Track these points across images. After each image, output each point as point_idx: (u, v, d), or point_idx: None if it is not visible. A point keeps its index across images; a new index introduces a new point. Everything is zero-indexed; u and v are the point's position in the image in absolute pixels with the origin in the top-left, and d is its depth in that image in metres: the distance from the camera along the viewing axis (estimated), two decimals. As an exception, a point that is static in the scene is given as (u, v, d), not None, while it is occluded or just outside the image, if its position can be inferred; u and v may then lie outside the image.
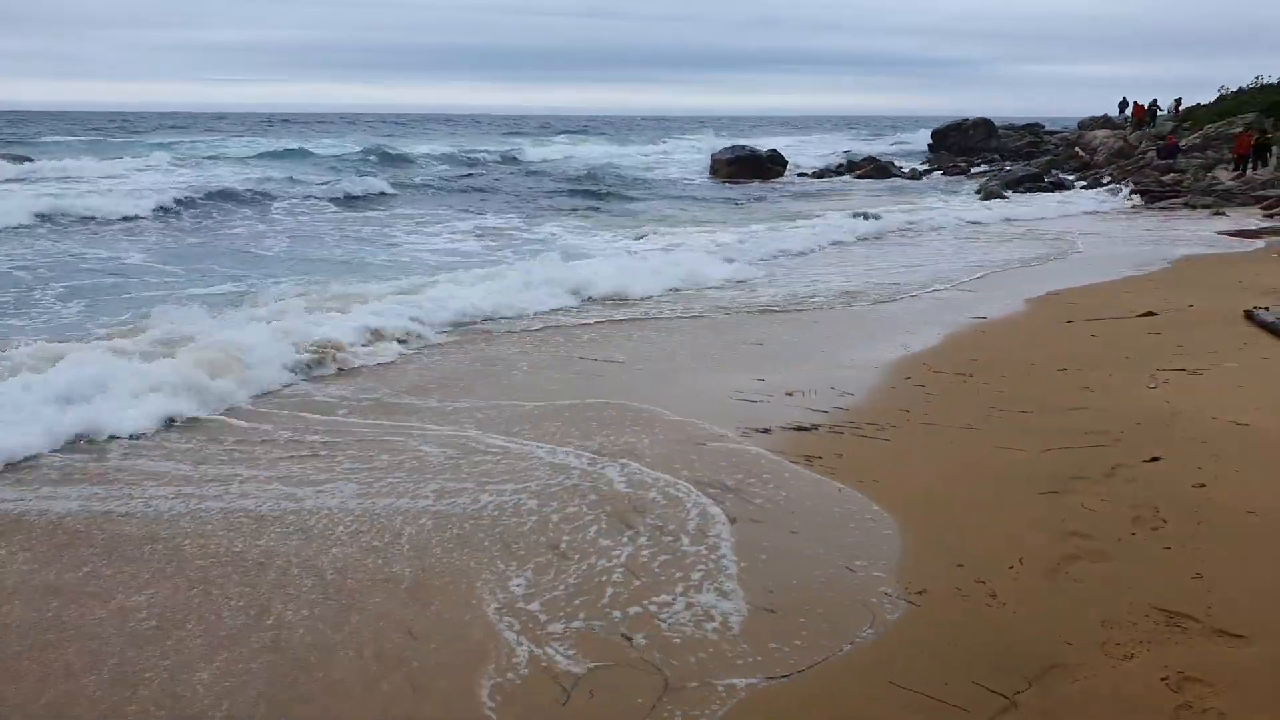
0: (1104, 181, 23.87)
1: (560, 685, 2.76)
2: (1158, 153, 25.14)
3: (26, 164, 23.18)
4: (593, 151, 39.82)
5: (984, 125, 37.38)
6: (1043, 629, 3.01)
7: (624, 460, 4.52)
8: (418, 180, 22.99)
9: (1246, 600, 3.15)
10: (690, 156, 35.59)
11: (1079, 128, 37.19)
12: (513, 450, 4.68)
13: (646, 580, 3.37)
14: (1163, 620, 3.04)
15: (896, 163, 33.50)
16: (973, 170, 30.76)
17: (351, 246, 12.78)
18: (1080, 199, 21.42)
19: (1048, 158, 30.79)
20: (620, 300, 8.72)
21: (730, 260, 10.90)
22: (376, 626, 3.08)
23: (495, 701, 2.69)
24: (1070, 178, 25.96)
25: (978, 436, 4.86)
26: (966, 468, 4.44)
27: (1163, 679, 2.73)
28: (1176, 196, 20.02)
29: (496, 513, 3.93)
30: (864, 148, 42.53)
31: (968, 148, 35.62)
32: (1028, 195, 22.24)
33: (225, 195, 17.56)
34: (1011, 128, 39.62)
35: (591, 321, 8.00)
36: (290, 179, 20.88)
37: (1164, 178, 22.30)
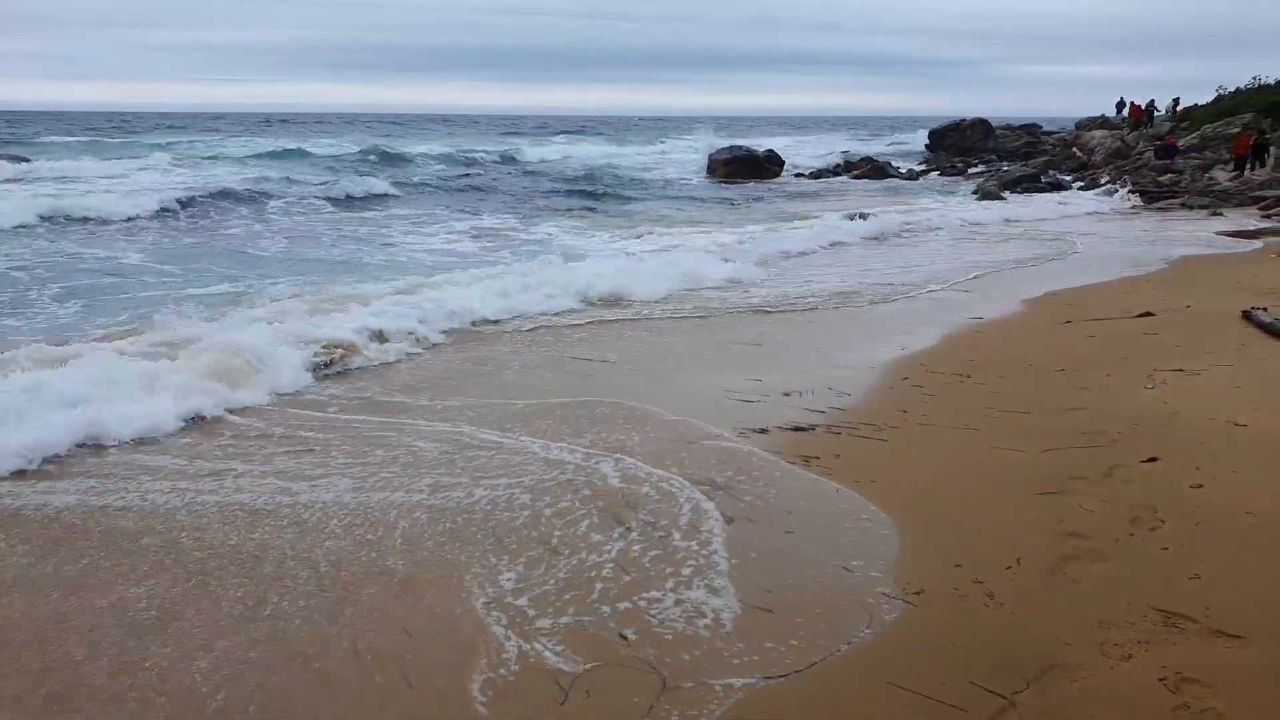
0: (1101, 182, 23.90)
1: (558, 684, 2.75)
2: (1155, 153, 25.17)
3: (24, 164, 23.15)
4: (590, 151, 39.82)
5: (981, 126, 37.42)
6: (1041, 629, 3.01)
7: (618, 455, 4.51)
8: (416, 180, 22.98)
9: (1245, 600, 3.15)
10: (688, 156, 35.59)
11: (1076, 128, 37.24)
12: (506, 445, 4.67)
13: (641, 579, 3.36)
14: (1161, 621, 3.04)
15: (894, 163, 33.53)
16: (970, 171, 30.80)
17: (349, 246, 12.76)
18: (1078, 199, 21.45)
19: (1045, 158, 30.82)
20: (618, 301, 8.71)
21: (727, 261, 10.90)
22: (371, 622, 3.07)
23: (490, 698, 2.68)
24: (1067, 178, 26.00)
25: (975, 437, 4.85)
26: (964, 468, 4.44)
27: (1161, 679, 2.73)
28: (1174, 197, 20.04)
29: (489, 508, 3.93)
30: (862, 148, 42.56)
31: (965, 148, 35.66)
32: (1025, 196, 22.28)
33: (223, 196, 17.53)
34: (1009, 128, 39.67)
35: (588, 322, 8.00)
36: (288, 179, 20.85)
37: (1161, 178, 22.33)
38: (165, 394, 5.16)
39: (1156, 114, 32.34)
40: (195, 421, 5.05)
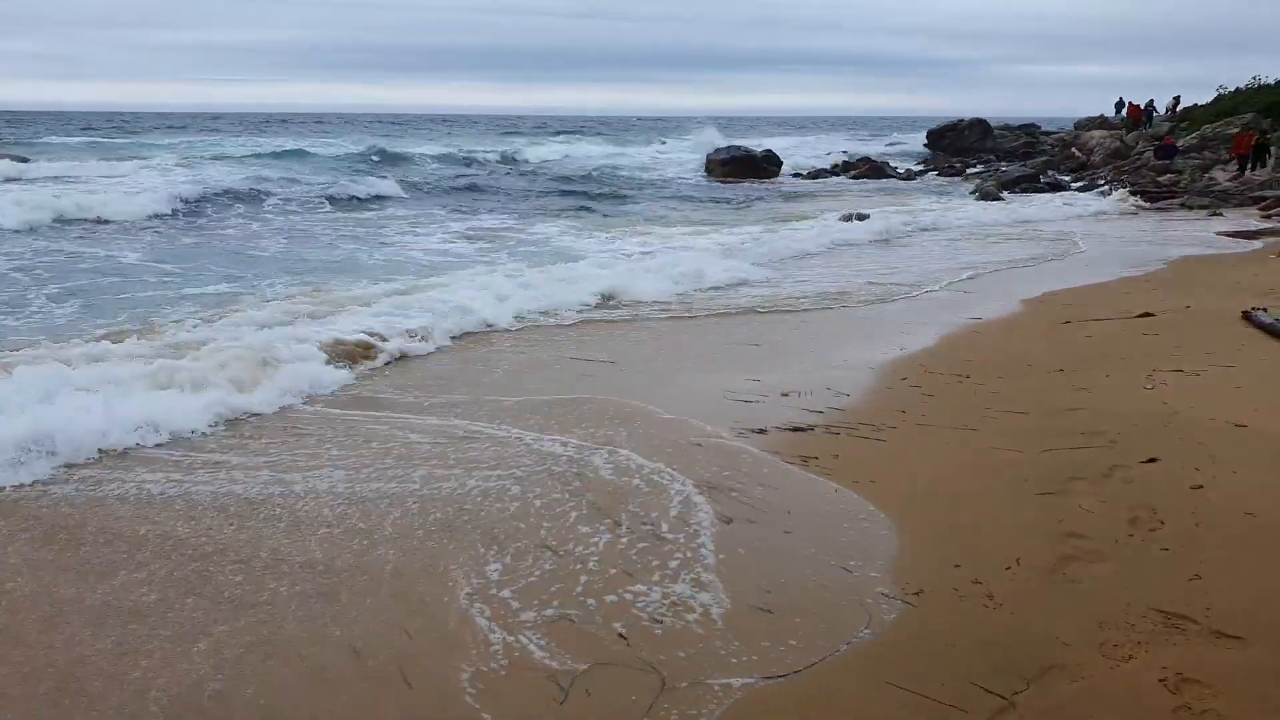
0: (1099, 183, 23.89)
1: (557, 684, 2.75)
2: (1155, 153, 25.15)
3: (24, 164, 23.13)
4: (590, 151, 39.79)
5: (979, 126, 37.42)
6: (1041, 630, 3.00)
7: (611, 448, 4.50)
8: (416, 180, 22.97)
9: (1245, 601, 3.14)
10: (687, 156, 35.57)
11: (1075, 128, 37.24)
12: (499, 436, 4.67)
13: (641, 579, 3.36)
14: (1161, 621, 3.03)
15: (892, 163, 33.52)
16: (968, 171, 30.80)
17: (350, 247, 12.73)
18: (1077, 199, 21.45)
19: (1044, 158, 30.81)
20: (617, 301, 8.70)
21: (725, 261, 10.89)
22: (367, 621, 3.07)
23: (494, 698, 2.67)
24: (1066, 178, 26.00)
25: (974, 437, 4.85)
26: (963, 468, 4.43)
27: (1161, 680, 2.72)
28: (1173, 197, 20.04)
29: (480, 500, 3.92)
30: (860, 148, 42.54)
31: (963, 148, 35.66)
32: (1023, 196, 22.28)
33: (224, 196, 17.52)
34: (1007, 128, 39.65)
35: (586, 322, 7.99)
36: (289, 179, 20.82)
37: (1161, 178, 22.32)
38: (209, 392, 5.27)
39: (1155, 114, 32.32)
40: (229, 421, 5.08)
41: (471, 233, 14.62)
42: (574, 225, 16.01)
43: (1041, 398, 5.52)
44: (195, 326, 7.23)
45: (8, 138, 38.54)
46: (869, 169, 31.32)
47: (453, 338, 7.17)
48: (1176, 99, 33.69)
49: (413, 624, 3.08)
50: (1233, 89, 31.72)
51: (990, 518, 3.86)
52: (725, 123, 55.39)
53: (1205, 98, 32.77)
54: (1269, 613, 3.07)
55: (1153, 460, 4.41)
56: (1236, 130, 24.28)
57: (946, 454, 4.62)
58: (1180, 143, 26.03)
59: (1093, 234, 15.16)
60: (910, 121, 73.05)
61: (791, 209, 19.62)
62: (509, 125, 73.56)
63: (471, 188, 22.76)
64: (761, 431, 4.94)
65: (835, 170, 32.13)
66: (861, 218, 15.59)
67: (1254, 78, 31.28)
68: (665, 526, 3.79)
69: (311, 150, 31.96)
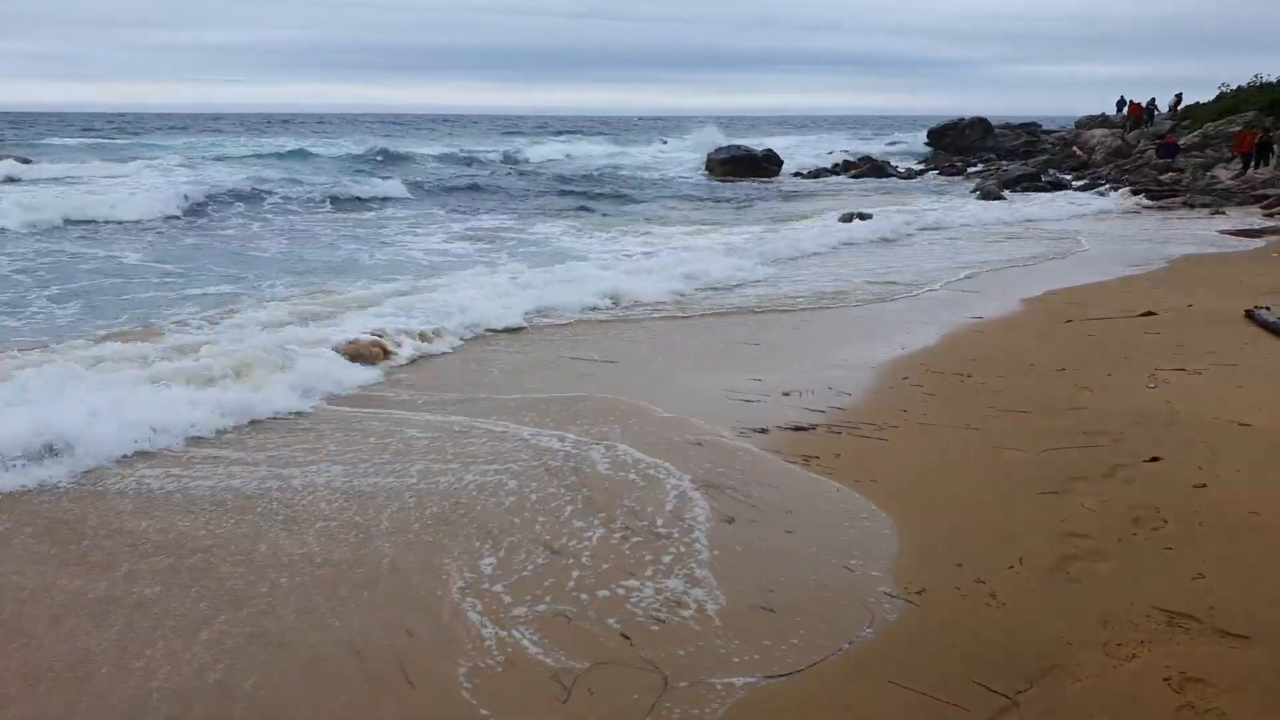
0: (1100, 182, 23.83)
1: (560, 683, 2.74)
2: (1156, 151, 25.09)
3: (27, 165, 23.16)
4: (591, 151, 39.78)
5: (980, 125, 37.36)
6: (1043, 629, 3.00)
7: (609, 442, 4.50)
8: (419, 180, 22.95)
9: (1249, 600, 3.14)
10: (688, 156, 35.55)
11: (1076, 127, 37.19)
12: (503, 433, 4.67)
13: (642, 578, 3.35)
14: (1164, 620, 3.02)
15: (893, 162, 33.49)
16: (969, 170, 30.75)
17: (352, 247, 12.71)
18: (1078, 198, 21.41)
19: (1045, 157, 30.77)
20: (619, 301, 8.67)
21: (726, 260, 10.87)
22: (366, 624, 3.07)
23: (495, 696, 2.67)
24: (1067, 177, 25.96)
25: (976, 436, 4.84)
26: (965, 468, 4.43)
27: (1165, 679, 2.71)
28: (1175, 196, 20.01)
29: (477, 494, 3.91)
30: (861, 147, 42.48)
31: (964, 147, 35.61)
32: (1025, 195, 22.23)
33: (227, 196, 17.49)
34: (1008, 127, 39.60)
35: (589, 322, 7.98)
36: (291, 180, 20.82)
37: (1162, 177, 22.28)
38: (228, 392, 5.31)
39: (1157, 113, 32.24)
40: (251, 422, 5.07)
41: (475, 233, 14.62)
42: (576, 225, 16.01)
43: (1043, 397, 5.51)
44: (201, 328, 7.25)
45: (9, 139, 38.58)
46: (870, 168, 31.29)
47: (462, 339, 7.16)
48: (1178, 97, 33.62)
49: (431, 626, 3.08)
50: (1235, 87, 31.65)
51: (992, 517, 3.85)
52: (727, 122, 55.31)
53: (1207, 96, 32.75)
54: (1273, 612, 3.06)
55: (1155, 459, 4.40)
56: (1239, 129, 24.22)
57: (948, 453, 4.61)
58: (1182, 141, 25.97)
59: (1094, 233, 15.14)
60: (911, 121, 73.01)
61: (791, 208, 19.61)
62: (510, 125, 73.54)
63: (474, 187, 22.75)
64: (763, 431, 4.94)
65: (836, 170, 32.10)
66: (863, 217, 15.57)
67: (1256, 76, 31.22)
68: (666, 525, 3.79)
69: (314, 151, 31.94)
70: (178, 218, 15.29)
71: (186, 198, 16.46)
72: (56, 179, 20.86)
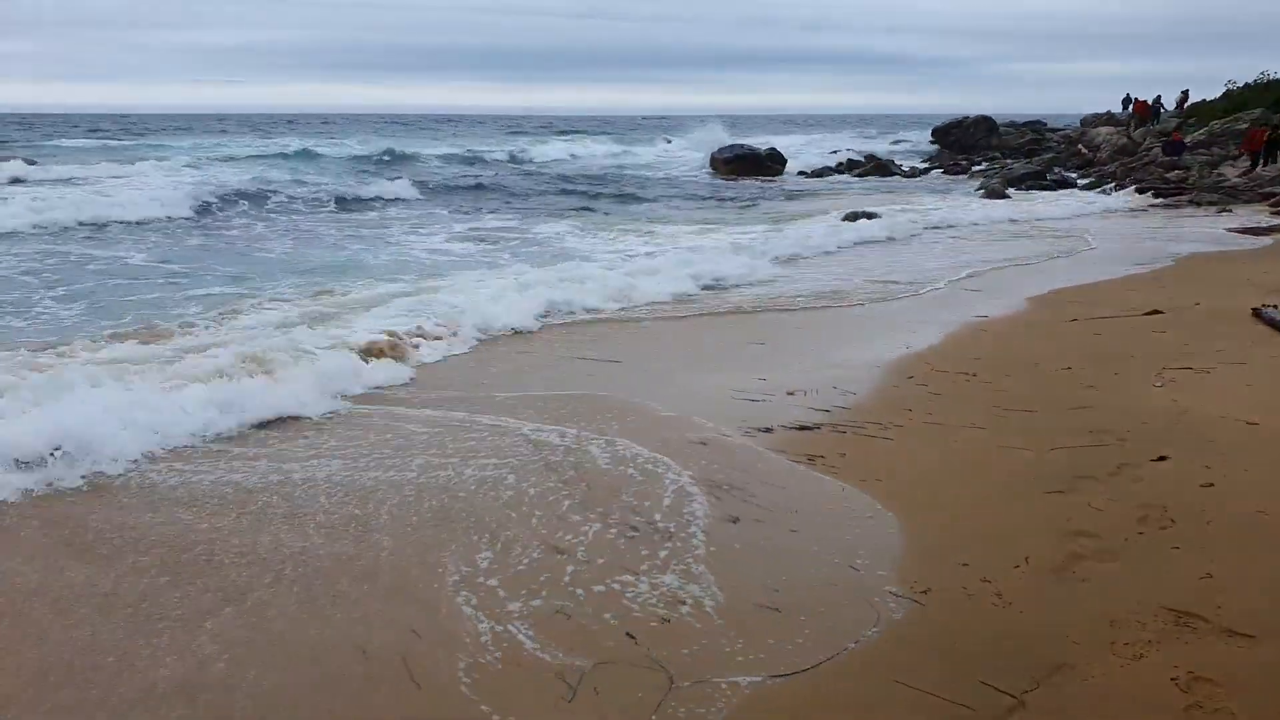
0: (1105, 180, 23.74)
1: (565, 681, 2.74)
2: (1163, 149, 24.98)
3: (33, 166, 23.25)
4: (595, 150, 39.83)
5: (985, 123, 37.28)
6: (1050, 628, 2.98)
7: (608, 437, 4.49)
8: (426, 180, 22.96)
9: (1257, 600, 3.12)
10: (692, 155, 35.56)
11: (1081, 124, 37.07)
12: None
13: (647, 577, 3.35)
14: (1172, 620, 3.01)
15: (897, 161, 33.42)
16: (974, 169, 30.68)
17: (360, 247, 12.71)
18: (1084, 196, 21.35)
19: (1050, 155, 30.68)
20: (625, 301, 8.66)
21: (731, 260, 10.86)
22: (369, 624, 3.07)
23: (499, 694, 2.67)
24: (1073, 175, 25.87)
25: (982, 435, 4.83)
26: (971, 467, 4.41)
27: (1172, 679, 2.70)
28: (1182, 194, 19.93)
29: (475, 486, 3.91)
30: (866, 146, 42.44)
31: (969, 145, 35.53)
32: (1029, 193, 22.17)
33: (235, 197, 17.48)
34: (1013, 125, 39.50)
35: (595, 321, 7.97)
36: (298, 180, 20.87)
37: (1169, 174, 22.19)
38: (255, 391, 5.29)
39: (1164, 111, 32.10)
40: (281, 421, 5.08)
41: (482, 233, 14.61)
42: (582, 225, 16.01)
43: (1049, 396, 5.49)
44: (209, 327, 7.30)
45: (16, 140, 38.72)
46: (874, 167, 31.23)
47: (478, 339, 7.15)
48: (1185, 93, 33.46)
49: (439, 625, 3.08)
50: (1242, 84, 31.50)
51: (998, 516, 3.84)
52: (732, 121, 55.20)
53: (1214, 93, 32.58)
54: (1281, 611, 3.05)
55: (1162, 458, 4.38)
56: (1245, 126, 24.10)
57: (954, 452, 4.60)
58: (1188, 139, 25.85)
59: (1100, 231, 15.09)
60: (916, 119, 72.81)
61: (794, 208, 19.58)
62: (513, 125, 73.62)
63: (480, 187, 22.78)
64: (768, 430, 4.93)
65: (840, 168, 32.05)
66: (868, 216, 15.54)
67: (1262, 73, 31.06)
68: (671, 524, 3.78)
69: (321, 151, 31.99)
70: (187, 219, 15.31)
71: (197, 199, 16.50)
72: (63, 180, 20.92)
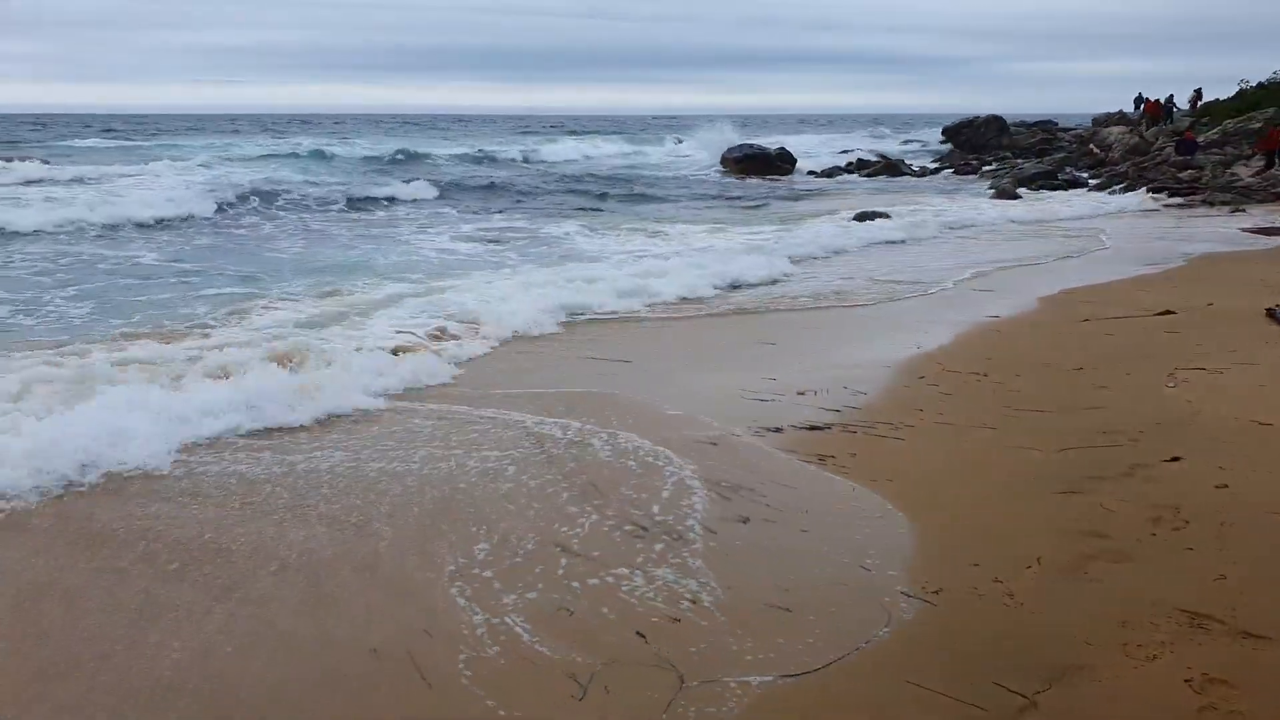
0: (1116, 180, 23.57)
1: (576, 680, 2.75)
2: (1175, 148, 24.81)
3: (48, 166, 23.42)
4: (607, 150, 39.92)
5: (995, 122, 37.10)
6: (1062, 629, 2.97)
7: (611, 432, 4.50)
8: (439, 180, 22.98)
9: (1271, 601, 3.10)
10: (701, 155, 35.55)
11: (1093, 124, 36.87)
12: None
13: (657, 577, 3.35)
14: (1186, 621, 2.99)
15: (907, 160, 33.32)
16: (984, 169, 30.55)
17: (376, 246, 12.71)
18: (1095, 196, 21.22)
19: (1061, 155, 30.52)
20: (638, 300, 8.65)
21: (741, 259, 10.85)
22: (372, 621, 3.08)
23: (511, 693, 2.68)
24: (1084, 175, 25.73)
25: (993, 436, 4.81)
26: (982, 467, 4.40)
27: (1186, 680, 2.69)
28: (1195, 193, 19.79)
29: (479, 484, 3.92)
30: (878, 145, 42.34)
31: (979, 145, 35.37)
32: (1040, 193, 22.05)
33: (254, 197, 17.52)
34: (1024, 125, 39.32)
35: (609, 319, 7.97)
36: (314, 181, 20.96)
37: (1181, 174, 22.03)
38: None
39: (1176, 110, 31.89)
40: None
41: (496, 233, 14.58)
42: (595, 224, 16.01)
43: (1061, 396, 5.47)
44: (230, 325, 7.36)
45: (30, 140, 39.02)
46: (884, 166, 31.14)
47: (502, 340, 7.15)
48: (1198, 93, 33.27)
49: (446, 622, 3.09)
50: (1255, 84, 31.27)
51: (1010, 516, 3.83)
52: (743, 121, 55.22)
53: (1227, 92, 32.37)
54: (1296, 613, 3.03)
55: (1175, 459, 4.36)
56: (1259, 125, 23.92)
57: (965, 453, 4.59)
58: (1201, 138, 25.66)
59: (1112, 231, 15.00)
60: (924, 119, 72.59)
61: (804, 207, 19.53)
62: (522, 125, 73.70)
63: (493, 187, 22.79)
64: (778, 430, 4.93)
65: (850, 168, 31.96)
66: (879, 216, 15.50)
67: (1275, 72, 30.83)
68: (680, 523, 3.78)
69: (334, 151, 32.09)
70: (205, 218, 15.36)
71: (216, 199, 16.56)
72: (78, 180, 21.06)
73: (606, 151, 39.28)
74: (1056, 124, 41.12)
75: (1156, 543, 3.55)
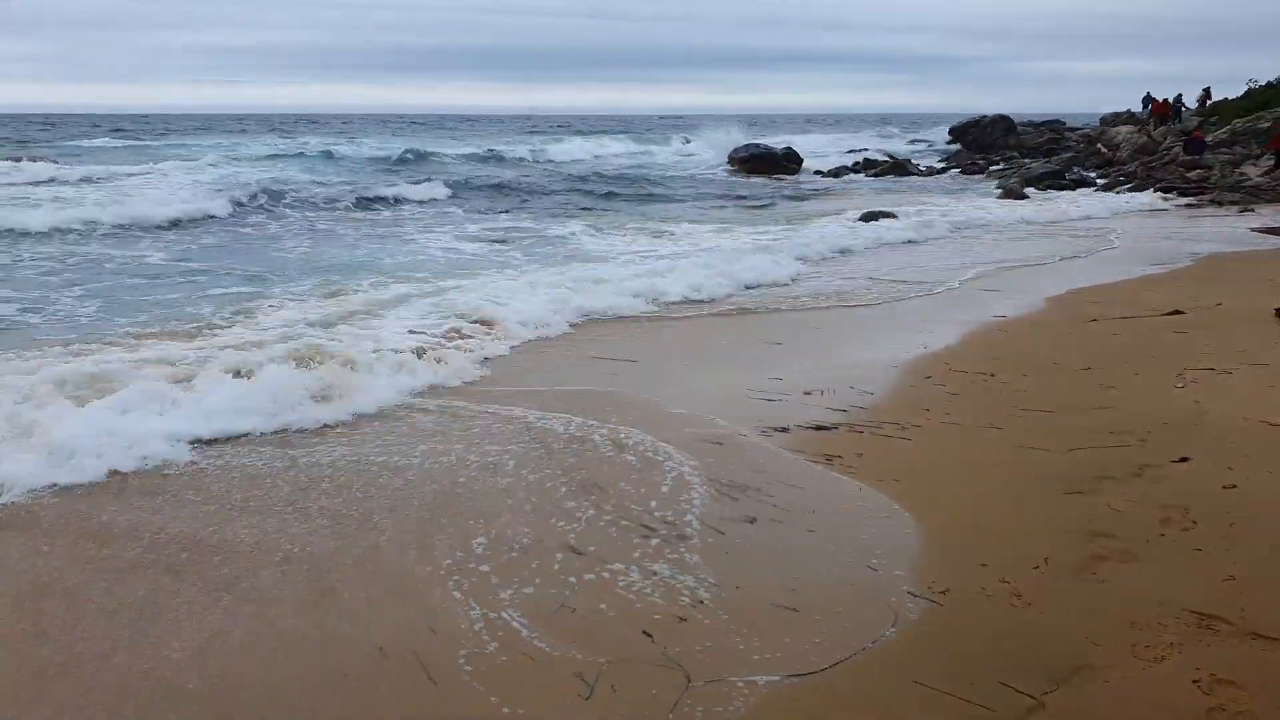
0: (1124, 181, 23.47)
1: (583, 680, 2.75)
2: (1183, 148, 24.70)
3: (56, 166, 23.55)
4: (615, 150, 40.00)
5: (1003, 122, 37.01)
6: (1070, 630, 2.96)
7: (622, 434, 4.50)
8: (449, 179, 23.02)
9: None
10: (709, 154, 35.58)
11: (1101, 124, 36.74)
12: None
13: (663, 576, 3.35)
14: (1194, 622, 2.98)
15: (914, 160, 33.26)
16: (991, 168, 30.47)
17: (378, 246, 12.74)
18: (1103, 196, 21.14)
19: (1069, 155, 30.41)
20: (644, 299, 8.65)
21: (748, 259, 10.84)
22: (375, 622, 3.09)
23: (517, 691, 2.68)
24: (1092, 175, 25.63)
25: (1000, 436, 4.80)
26: (989, 467, 4.39)
27: (1194, 681, 2.68)
28: (1203, 193, 19.70)
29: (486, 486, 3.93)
30: (884, 145, 42.29)
31: (986, 145, 35.28)
32: (1048, 193, 21.98)
33: (264, 196, 17.52)
34: (1031, 124, 39.20)
35: (616, 319, 7.97)
36: (320, 181, 20.99)
37: (1190, 174, 21.93)
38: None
39: (1184, 110, 31.74)
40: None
41: (506, 233, 14.56)
42: (602, 224, 16.02)
43: (1069, 396, 5.45)
44: (249, 323, 7.41)
45: (40, 140, 39.22)
46: (891, 166, 31.09)
47: (520, 340, 7.16)
48: (1206, 92, 33.12)
49: (450, 621, 3.10)
50: (1264, 83, 31.10)
51: (1017, 517, 3.82)
52: (751, 120, 55.20)
53: (1235, 92, 32.21)
54: (1305, 614, 3.01)
55: (1184, 460, 4.34)
56: (1268, 125, 23.79)
57: (972, 453, 4.58)
58: (1210, 138, 25.54)
59: (1120, 230, 14.94)
60: (931, 119, 72.45)
61: (810, 207, 19.51)
62: (529, 125, 73.79)
63: (503, 186, 22.76)
64: (784, 430, 4.92)
65: (856, 168, 31.91)
66: (886, 216, 15.47)
67: (1285, 70, 30.65)
68: (687, 523, 3.79)
69: (343, 151, 32.16)
70: (215, 218, 15.40)
71: (232, 198, 16.61)
72: (87, 179, 21.16)
73: (614, 151, 39.32)
74: (1064, 123, 41.01)
75: (1165, 543, 3.54)
